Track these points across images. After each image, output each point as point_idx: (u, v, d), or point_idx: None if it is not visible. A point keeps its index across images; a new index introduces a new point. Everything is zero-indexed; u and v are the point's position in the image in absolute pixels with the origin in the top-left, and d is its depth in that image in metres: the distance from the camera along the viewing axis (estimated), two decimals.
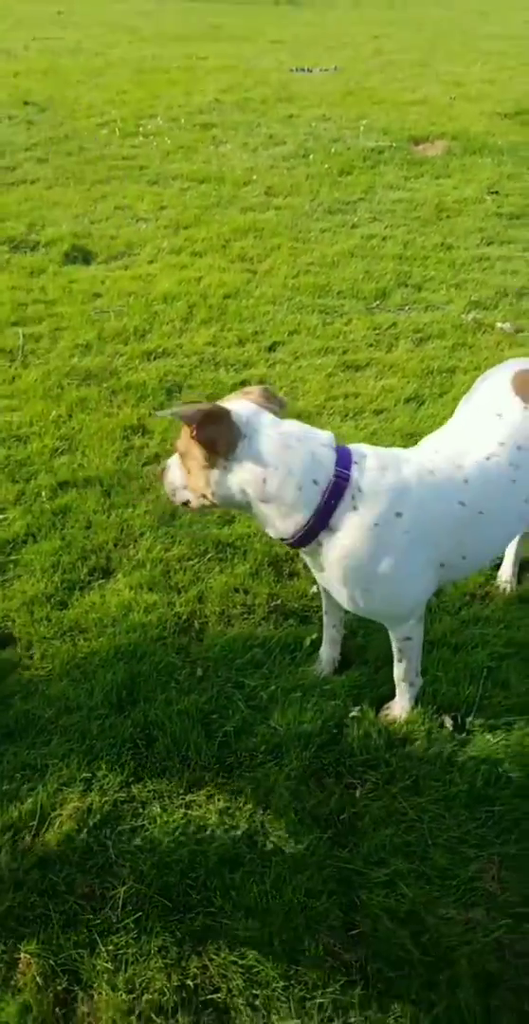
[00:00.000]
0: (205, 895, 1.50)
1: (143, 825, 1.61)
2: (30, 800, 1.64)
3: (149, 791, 1.67)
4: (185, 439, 1.56)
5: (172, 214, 4.57)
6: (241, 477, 1.51)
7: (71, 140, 5.71)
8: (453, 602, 2.15)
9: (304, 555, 1.63)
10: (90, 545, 2.28)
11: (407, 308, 3.64)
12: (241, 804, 1.65)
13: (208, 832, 1.60)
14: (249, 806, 1.65)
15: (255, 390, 1.60)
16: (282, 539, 1.57)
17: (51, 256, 4.01)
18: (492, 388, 1.77)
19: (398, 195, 4.90)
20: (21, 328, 3.36)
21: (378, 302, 3.68)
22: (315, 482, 1.50)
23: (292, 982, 1.40)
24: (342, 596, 1.62)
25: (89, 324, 3.43)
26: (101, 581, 2.19)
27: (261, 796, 1.67)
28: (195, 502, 1.62)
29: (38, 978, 1.38)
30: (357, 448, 1.57)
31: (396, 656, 1.78)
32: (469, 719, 1.83)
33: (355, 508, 1.51)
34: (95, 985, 1.39)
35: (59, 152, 5.48)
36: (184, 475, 1.60)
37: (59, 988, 1.38)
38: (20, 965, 1.41)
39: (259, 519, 1.58)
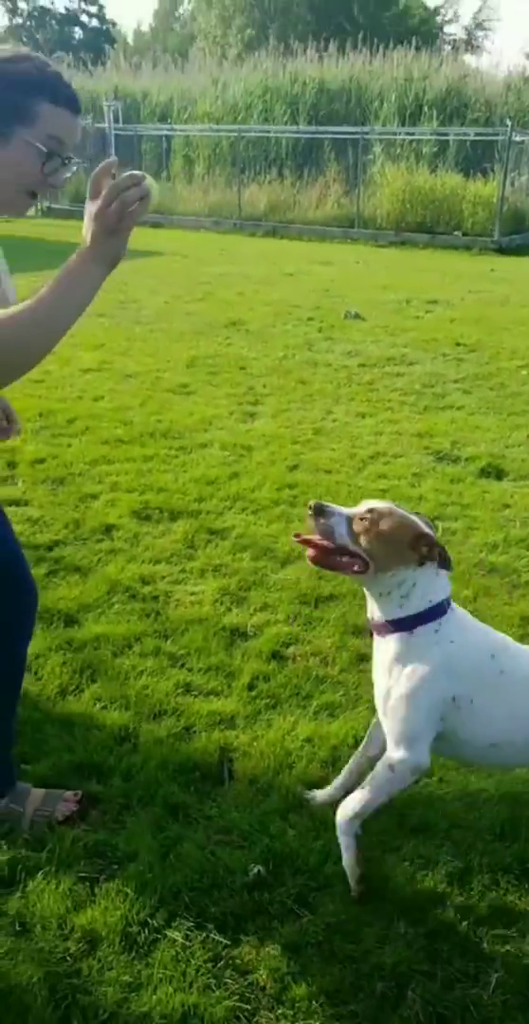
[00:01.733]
0: None
1: (514, 935, 1.90)
2: (422, 885, 2.03)
3: (520, 912, 1.95)
4: (407, 543, 1.91)
5: None
6: (406, 578, 1.92)
7: (494, 377, 6.56)
8: None
9: (376, 641, 2.03)
10: None
11: None
12: None
13: None
14: None
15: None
16: (375, 620, 1.99)
17: (469, 469, 4.68)
18: None
19: None
20: (440, 522, 4.00)
21: None
22: (430, 601, 1.94)
23: None
24: (378, 686, 2.02)
25: (497, 528, 3.96)
26: None
27: None
28: (354, 566, 1.94)
29: (420, 1015, 1.72)
30: (456, 607, 2.03)
31: (368, 777, 1.99)
32: None
33: (437, 630, 1.93)
34: None
35: (483, 386, 6.33)
36: (348, 532, 1.93)
37: None
38: (407, 1000, 1.76)
39: (378, 601, 1.98)
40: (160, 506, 4.10)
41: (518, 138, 15.59)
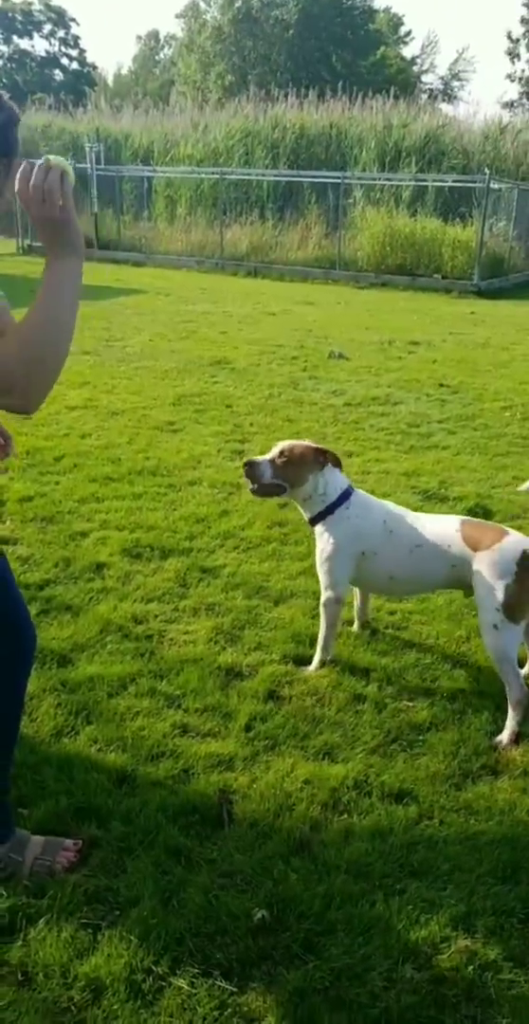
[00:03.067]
0: None
1: (521, 981, 1.89)
2: (426, 929, 2.02)
3: (527, 956, 1.95)
4: (311, 459, 3.01)
5: None
6: (318, 481, 3.02)
7: (477, 418, 6.67)
8: None
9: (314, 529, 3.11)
10: (483, 745, 2.70)
11: None
12: None
13: None
14: None
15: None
16: (310, 517, 3.08)
17: (457, 509, 4.73)
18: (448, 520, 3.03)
19: None
20: None
21: None
22: (339, 490, 3.05)
23: None
24: (316, 552, 3.09)
25: None
26: (490, 778, 2.57)
27: None
28: (279, 492, 3.06)
29: None
30: (358, 490, 3.12)
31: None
32: None
33: (347, 508, 3.03)
34: None
35: (467, 427, 6.43)
36: (272, 472, 3.01)
37: None
38: None
39: (304, 505, 3.08)
40: (151, 544, 4.10)
41: (495, 186, 15.97)
